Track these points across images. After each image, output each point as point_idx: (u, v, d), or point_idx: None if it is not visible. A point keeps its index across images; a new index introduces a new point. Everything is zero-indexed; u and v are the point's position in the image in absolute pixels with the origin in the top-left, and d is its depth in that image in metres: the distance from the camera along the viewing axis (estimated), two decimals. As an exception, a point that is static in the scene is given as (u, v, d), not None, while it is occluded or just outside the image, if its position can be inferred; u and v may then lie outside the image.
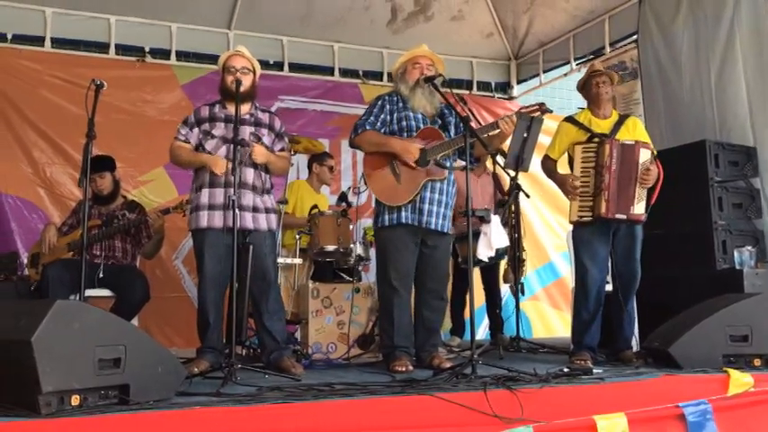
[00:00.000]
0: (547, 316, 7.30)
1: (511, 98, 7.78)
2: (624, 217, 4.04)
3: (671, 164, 4.25)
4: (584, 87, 4.34)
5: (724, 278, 4.38)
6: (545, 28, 7.13)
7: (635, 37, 6.06)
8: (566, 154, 4.34)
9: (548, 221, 7.34)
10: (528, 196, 4.75)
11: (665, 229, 4.55)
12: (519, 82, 7.81)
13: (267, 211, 3.87)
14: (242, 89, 3.75)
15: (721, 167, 4.68)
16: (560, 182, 4.28)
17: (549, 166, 4.38)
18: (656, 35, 5.73)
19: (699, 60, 5.33)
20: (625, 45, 6.36)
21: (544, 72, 7.45)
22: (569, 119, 4.38)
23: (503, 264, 5.39)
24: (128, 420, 2.44)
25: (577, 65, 7.00)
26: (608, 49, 6.56)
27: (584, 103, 4.41)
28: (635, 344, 4.29)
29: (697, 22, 5.36)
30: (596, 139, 4.16)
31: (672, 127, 5.47)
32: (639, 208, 4.06)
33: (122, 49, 6.22)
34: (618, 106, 5.94)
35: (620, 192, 4.03)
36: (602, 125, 4.24)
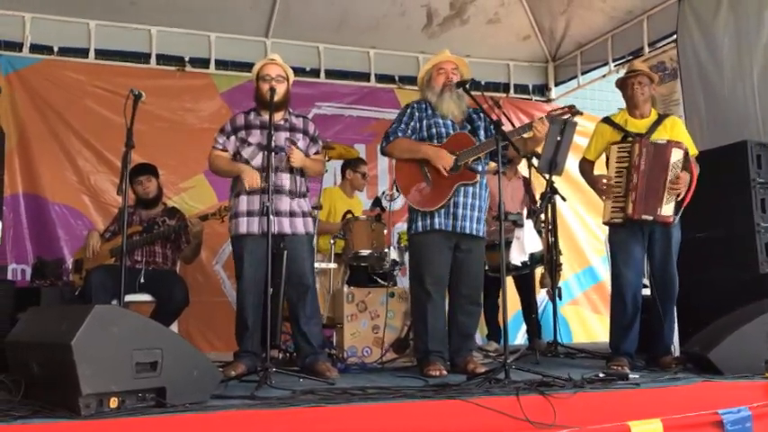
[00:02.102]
0: (587, 320, 7.21)
1: (549, 100, 7.70)
2: (651, 218, 3.95)
3: (712, 165, 4.16)
4: (622, 87, 4.29)
5: (767, 282, 4.27)
6: (582, 29, 7.04)
7: (674, 37, 5.94)
8: (603, 155, 4.29)
9: (587, 225, 7.25)
10: (564, 199, 4.71)
11: (705, 232, 4.46)
12: (557, 84, 7.72)
13: (304, 214, 3.92)
14: (276, 97, 3.81)
15: (764, 168, 4.55)
16: (593, 182, 4.23)
17: (585, 168, 4.33)
18: (696, 34, 5.61)
19: (740, 59, 5.21)
20: (664, 45, 6.25)
21: (582, 74, 7.35)
22: (606, 119, 4.33)
23: (539, 268, 5.34)
24: (164, 422, 2.51)
25: (616, 66, 6.90)
26: (647, 49, 6.44)
27: (624, 104, 4.35)
28: (675, 349, 4.21)
29: (738, 20, 5.25)
30: (630, 139, 4.10)
31: (713, 127, 5.35)
32: (668, 209, 3.96)
33: (163, 58, 6.35)
34: (657, 107, 5.84)
35: (649, 192, 3.95)
36: (638, 125, 4.18)
